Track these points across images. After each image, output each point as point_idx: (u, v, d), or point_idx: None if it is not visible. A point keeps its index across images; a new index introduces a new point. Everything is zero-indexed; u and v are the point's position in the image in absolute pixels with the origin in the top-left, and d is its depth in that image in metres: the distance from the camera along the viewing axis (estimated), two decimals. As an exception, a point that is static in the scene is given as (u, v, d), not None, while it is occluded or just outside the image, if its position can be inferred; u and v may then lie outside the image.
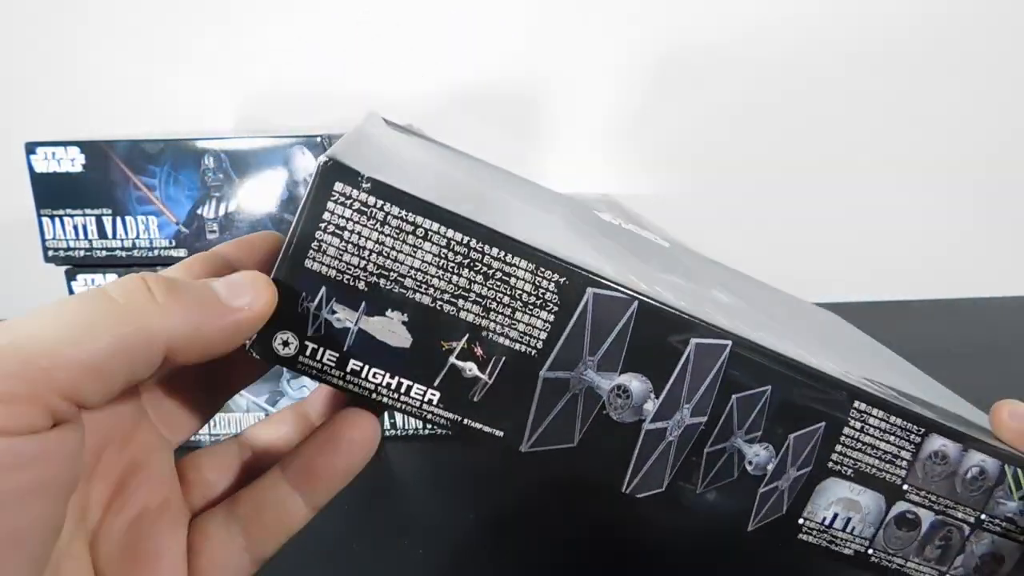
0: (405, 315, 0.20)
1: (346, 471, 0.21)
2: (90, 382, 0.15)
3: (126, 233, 0.43)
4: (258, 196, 0.42)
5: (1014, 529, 0.25)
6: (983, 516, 0.25)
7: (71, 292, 0.44)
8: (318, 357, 0.20)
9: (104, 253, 0.43)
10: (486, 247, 0.20)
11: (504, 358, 0.20)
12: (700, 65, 0.71)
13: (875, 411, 0.23)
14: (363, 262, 0.19)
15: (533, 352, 0.20)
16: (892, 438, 0.23)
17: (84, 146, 0.42)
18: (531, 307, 0.20)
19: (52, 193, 0.42)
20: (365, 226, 0.19)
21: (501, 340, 0.20)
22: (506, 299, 0.20)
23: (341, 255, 0.19)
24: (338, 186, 0.19)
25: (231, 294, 0.18)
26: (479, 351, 0.20)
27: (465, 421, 0.21)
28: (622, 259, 0.26)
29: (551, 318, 0.20)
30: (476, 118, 0.72)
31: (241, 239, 0.22)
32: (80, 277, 0.44)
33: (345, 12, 0.69)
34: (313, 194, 0.19)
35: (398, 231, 0.19)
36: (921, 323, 0.71)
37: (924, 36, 0.71)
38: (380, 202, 0.19)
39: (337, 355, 0.20)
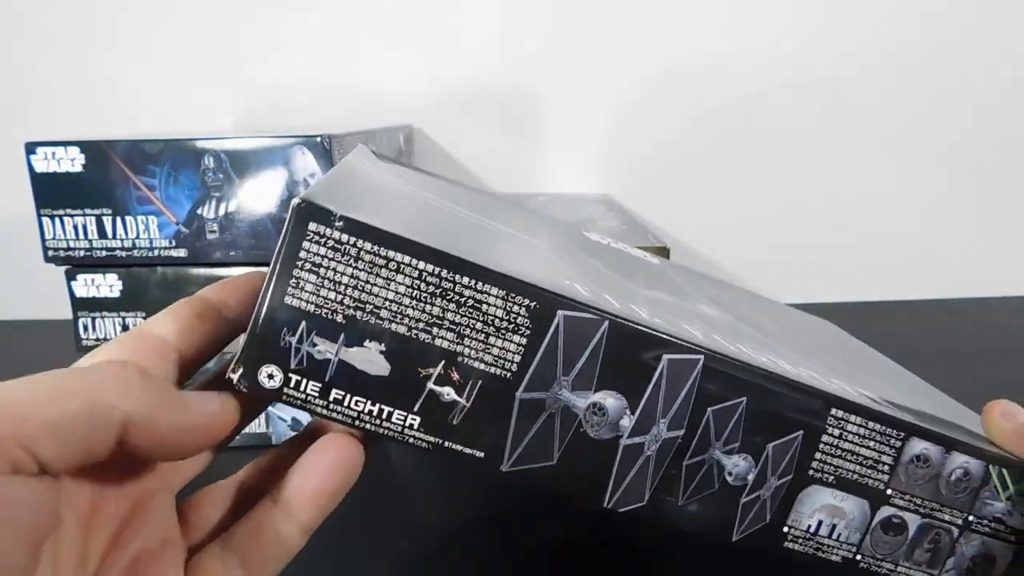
0: (383, 344, 0.20)
1: (332, 494, 0.21)
2: (48, 441, 0.16)
3: (126, 233, 0.43)
4: (258, 196, 0.42)
5: (1004, 529, 0.25)
6: (971, 518, 0.25)
7: (71, 292, 0.44)
8: (302, 388, 0.21)
9: (104, 253, 0.43)
10: (457, 276, 0.20)
11: (480, 382, 0.21)
12: (700, 65, 0.71)
13: (853, 417, 0.23)
14: (340, 296, 0.20)
15: (508, 375, 0.21)
16: (872, 443, 0.24)
17: (84, 146, 0.42)
18: (504, 332, 0.21)
19: (52, 193, 0.42)
20: (340, 262, 0.20)
21: (476, 365, 0.21)
22: (479, 325, 0.21)
23: (318, 291, 0.20)
24: (312, 225, 0.20)
25: (198, 400, 0.19)
26: (456, 376, 0.21)
27: (446, 444, 0.21)
28: (603, 278, 0.27)
29: (524, 341, 0.21)
30: (476, 118, 0.72)
31: (226, 282, 0.23)
32: (80, 277, 0.44)
33: (345, 12, 0.69)
34: (289, 234, 0.20)
35: (371, 265, 0.20)
36: (921, 323, 0.71)
37: (923, 36, 0.71)
38: (353, 239, 0.20)
39: (320, 385, 0.21)
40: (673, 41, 0.70)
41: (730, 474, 0.23)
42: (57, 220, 0.43)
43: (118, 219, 0.43)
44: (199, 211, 0.43)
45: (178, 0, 0.68)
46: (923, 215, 0.76)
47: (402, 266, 0.20)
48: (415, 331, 0.21)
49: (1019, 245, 0.78)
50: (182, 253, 0.43)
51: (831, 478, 0.23)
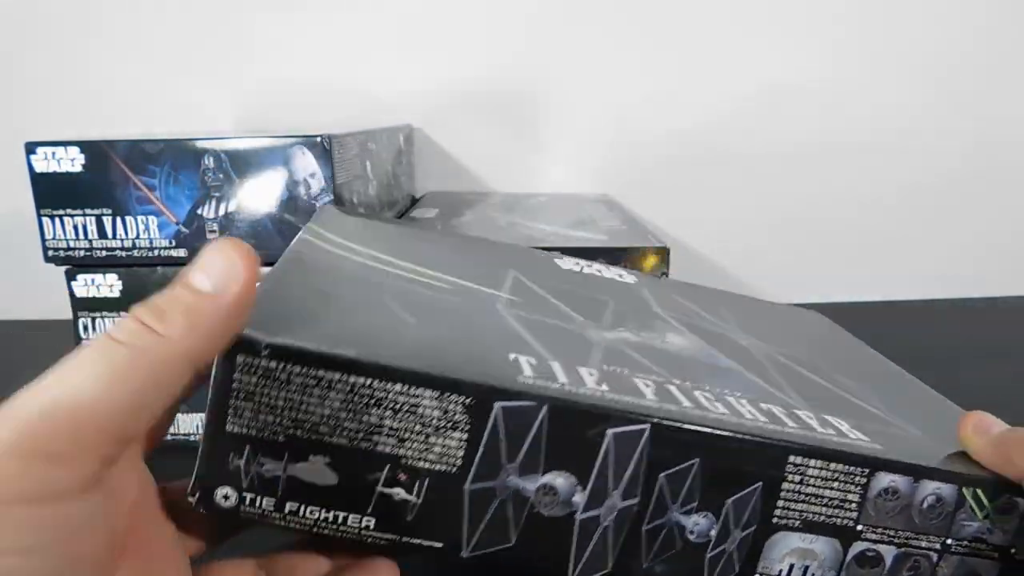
0: (327, 457, 0.21)
1: None
2: (132, 420, 0.16)
3: (126, 233, 0.43)
4: (258, 196, 0.42)
5: (985, 548, 0.25)
6: (949, 541, 0.24)
7: (71, 292, 0.44)
8: (257, 504, 0.21)
9: (104, 253, 0.43)
10: (388, 384, 0.21)
11: (428, 479, 0.21)
12: (700, 65, 0.71)
13: (812, 462, 0.23)
14: (278, 419, 0.20)
15: (454, 470, 0.21)
16: (836, 484, 0.23)
17: (84, 146, 0.42)
18: (443, 430, 0.21)
19: (52, 193, 0.42)
20: (272, 388, 0.20)
21: (422, 464, 0.21)
22: (418, 427, 0.21)
23: (256, 416, 0.20)
24: (240, 358, 0.20)
25: (215, 284, 0.18)
26: (403, 477, 0.21)
27: (403, 539, 0.22)
28: (558, 335, 0.27)
29: (465, 436, 0.21)
30: (476, 118, 0.72)
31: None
32: (80, 277, 0.44)
33: (345, 12, 0.69)
34: (218, 367, 0.20)
35: (304, 387, 0.20)
36: (921, 323, 0.71)
37: (922, 37, 0.71)
38: (282, 364, 0.20)
39: (274, 500, 0.21)
40: (673, 40, 0.70)
41: (691, 533, 0.23)
42: (57, 220, 0.43)
43: (118, 219, 0.43)
44: (199, 211, 0.43)
45: (178, 0, 0.68)
46: (923, 215, 0.76)
47: (334, 383, 0.20)
48: (356, 441, 0.21)
49: (1019, 245, 0.78)
50: (182, 253, 0.43)
51: (797, 523, 0.23)
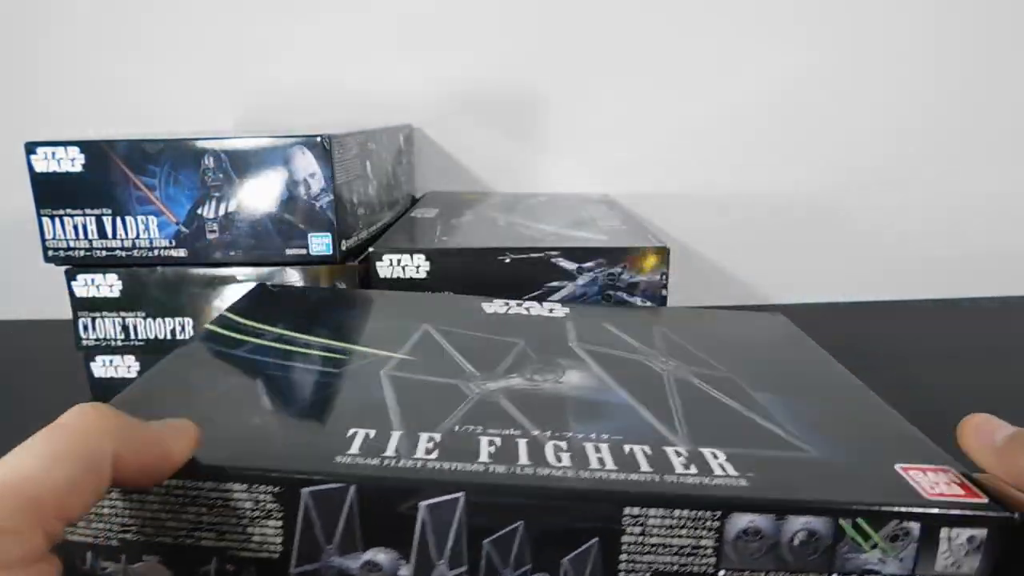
0: (158, 555, 0.22)
1: None
2: (70, 498, 0.18)
3: (126, 233, 0.43)
4: (258, 196, 0.42)
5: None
6: None
7: (71, 292, 0.44)
8: None
9: (104, 253, 0.43)
10: (199, 483, 0.22)
11: (253, 567, 0.22)
12: (700, 64, 0.71)
13: (652, 511, 0.22)
14: (108, 525, 0.22)
15: (276, 556, 0.22)
16: (684, 531, 0.22)
17: (84, 146, 0.42)
18: (258, 520, 0.22)
19: (52, 193, 0.42)
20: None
21: (244, 554, 0.22)
22: (233, 520, 0.22)
23: (90, 524, 0.22)
24: None
25: (168, 430, 0.21)
26: (231, 567, 0.22)
27: None
28: (426, 399, 0.28)
29: (279, 524, 0.22)
30: (476, 118, 0.72)
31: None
32: (80, 277, 0.44)
33: (345, 13, 0.69)
34: None
35: (124, 494, 0.22)
36: (921, 323, 0.71)
37: (921, 37, 0.71)
38: None
39: None
40: (673, 40, 0.70)
41: None
42: (57, 220, 0.43)
43: (118, 219, 0.43)
44: (199, 211, 0.43)
45: (179, 1, 0.68)
46: (922, 215, 0.76)
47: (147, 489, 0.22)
48: (180, 538, 0.22)
49: (1019, 245, 0.78)
50: (182, 253, 0.43)
51: (647, 574, 0.22)
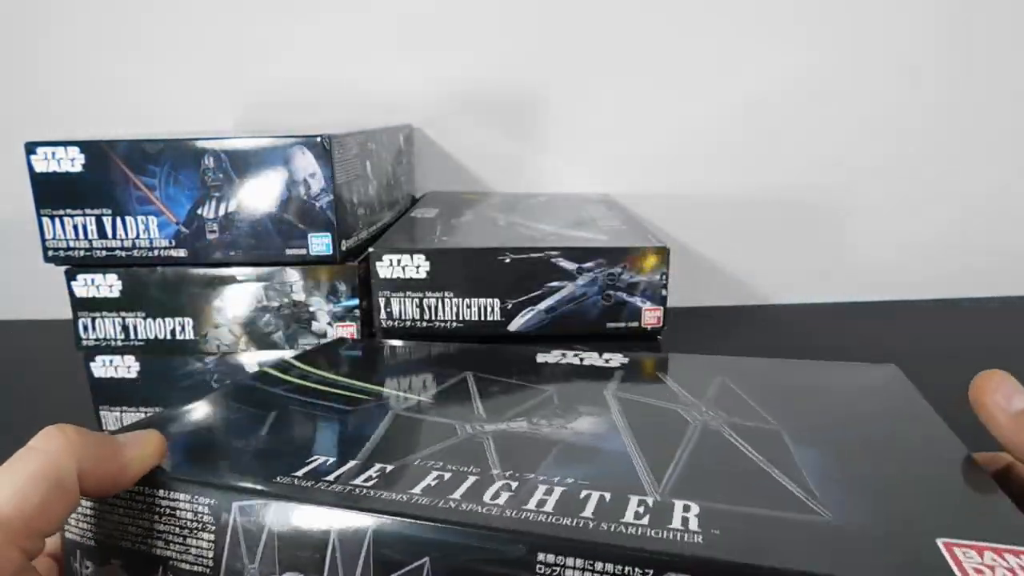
0: (121, 560, 0.24)
1: None
2: (41, 516, 0.20)
3: (126, 233, 0.43)
4: (258, 196, 0.42)
5: None
6: None
7: (71, 292, 0.44)
8: None
9: (104, 253, 0.43)
10: (155, 490, 0.23)
11: None
12: (700, 64, 0.71)
13: (571, 560, 0.19)
14: (89, 526, 0.24)
15: (207, 571, 0.22)
16: None
17: (84, 146, 0.42)
18: (196, 532, 0.23)
19: (52, 193, 0.42)
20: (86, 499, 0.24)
21: (183, 566, 0.23)
22: (176, 529, 0.23)
23: (78, 523, 0.24)
24: None
25: (129, 442, 0.23)
26: None
27: None
28: (410, 436, 0.27)
29: (212, 537, 0.22)
30: (476, 118, 0.72)
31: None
32: (80, 277, 0.44)
33: (345, 13, 0.69)
34: None
35: (98, 499, 0.24)
36: (921, 323, 0.71)
37: (922, 37, 0.71)
38: None
39: None
40: (673, 40, 0.70)
41: None
42: (57, 220, 0.43)
43: (118, 219, 0.43)
44: (199, 211, 0.43)
45: (179, 1, 0.68)
46: (922, 215, 0.76)
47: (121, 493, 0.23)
48: (136, 544, 0.23)
49: (1019, 245, 0.78)
50: (182, 253, 0.43)
51: None
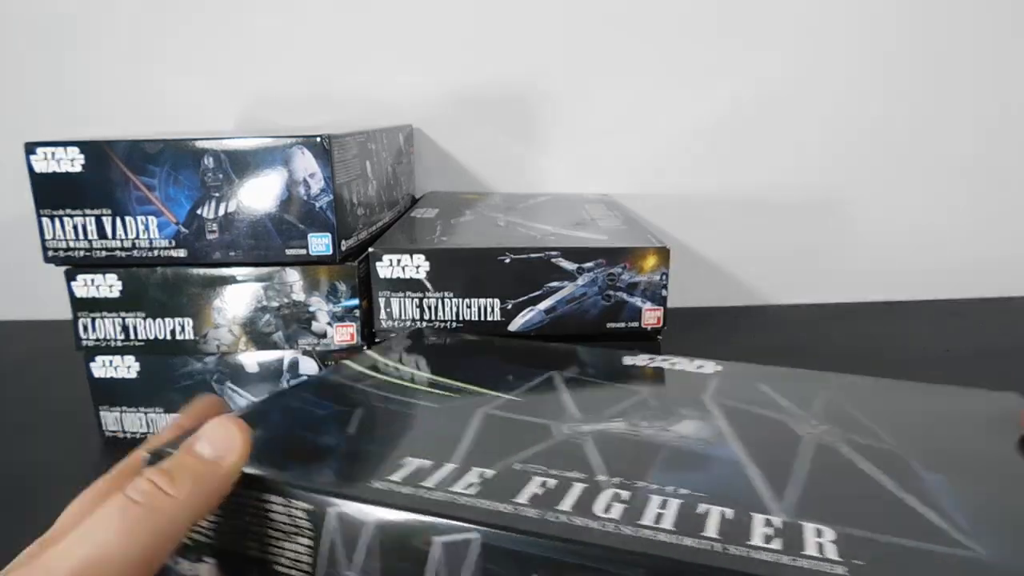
0: (214, 559, 0.24)
1: None
2: (145, 569, 0.19)
3: (126, 233, 0.43)
4: (258, 196, 0.42)
5: None
6: None
7: (71, 292, 0.44)
8: None
9: (104, 253, 0.43)
10: (248, 491, 0.23)
11: None
12: (700, 64, 0.71)
13: None
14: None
15: (303, 575, 0.22)
16: None
17: (84, 146, 0.42)
18: (292, 535, 0.22)
19: (52, 193, 0.42)
20: None
21: (280, 568, 0.23)
22: (272, 531, 0.22)
23: None
24: None
25: (214, 451, 0.22)
26: None
27: None
28: (506, 438, 0.27)
29: (309, 542, 0.22)
30: (476, 118, 0.72)
31: (188, 410, 0.27)
32: (80, 277, 0.44)
33: (345, 13, 0.69)
34: None
35: None
36: (921, 323, 0.71)
37: (922, 38, 0.71)
38: None
39: None
40: (672, 40, 0.70)
41: None
42: (57, 220, 0.43)
43: (118, 219, 0.43)
44: (199, 211, 0.43)
45: (179, 1, 0.68)
46: (923, 216, 0.76)
47: None
48: (230, 545, 0.23)
49: (1019, 245, 0.78)
50: (182, 253, 0.43)
51: None
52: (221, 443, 0.22)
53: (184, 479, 0.21)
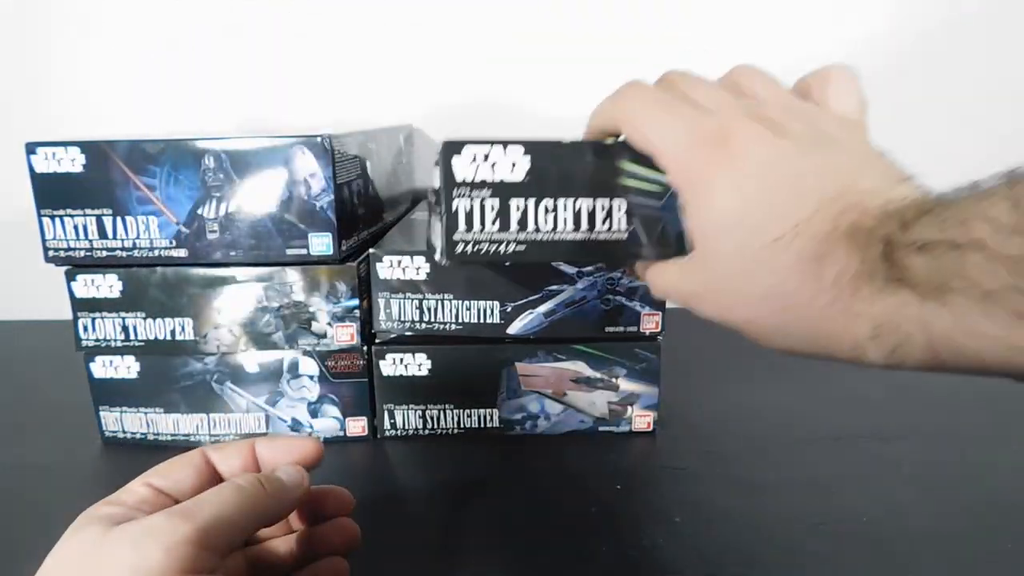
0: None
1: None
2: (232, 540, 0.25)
3: (126, 233, 0.43)
4: (258, 196, 0.42)
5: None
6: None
7: (71, 292, 0.44)
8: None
9: (104, 253, 0.43)
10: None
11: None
12: (701, 64, 0.71)
13: None
14: None
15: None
16: None
17: (84, 146, 0.42)
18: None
19: (52, 193, 0.42)
20: None
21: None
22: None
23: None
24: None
25: (291, 483, 0.28)
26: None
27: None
28: None
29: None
30: (476, 119, 0.72)
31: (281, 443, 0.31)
32: (80, 277, 0.44)
33: (345, 13, 0.69)
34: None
35: None
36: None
37: (923, 35, 0.72)
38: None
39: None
40: (671, 40, 0.70)
41: None
42: (57, 220, 0.43)
43: (118, 219, 0.43)
44: (199, 211, 0.43)
45: (179, 1, 0.68)
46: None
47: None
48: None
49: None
50: (182, 253, 0.43)
51: None
52: (294, 479, 0.28)
53: (273, 486, 0.27)
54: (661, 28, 0.70)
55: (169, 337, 0.45)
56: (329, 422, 0.47)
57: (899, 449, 0.45)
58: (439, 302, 0.45)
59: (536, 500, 0.40)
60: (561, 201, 0.30)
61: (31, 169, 0.42)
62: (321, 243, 0.43)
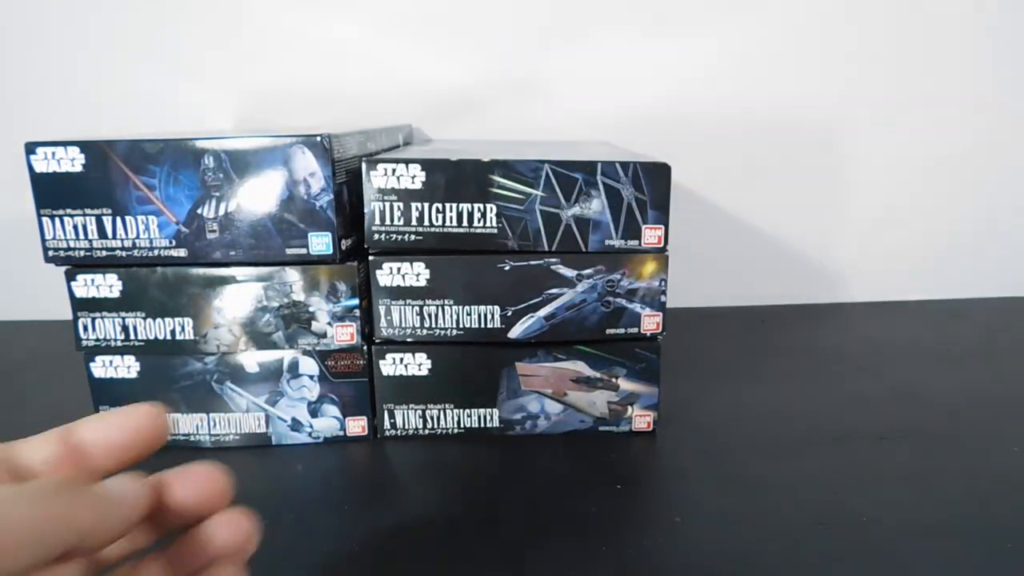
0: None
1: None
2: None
3: (126, 233, 0.43)
4: (258, 196, 0.42)
5: None
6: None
7: (71, 292, 0.44)
8: None
9: (104, 253, 0.43)
10: None
11: None
12: (700, 65, 0.71)
13: None
14: None
15: None
16: None
17: (84, 146, 0.42)
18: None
19: (52, 193, 0.42)
20: None
21: None
22: None
23: None
24: None
25: (120, 497, 0.21)
26: None
27: None
28: None
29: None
30: (476, 119, 0.72)
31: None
32: (80, 277, 0.44)
33: (345, 12, 0.69)
34: None
35: None
36: (921, 323, 0.71)
37: (923, 35, 0.72)
38: None
39: None
40: (670, 39, 0.70)
41: None
42: (57, 220, 0.43)
43: (118, 219, 0.43)
44: (199, 211, 0.43)
45: (178, 1, 0.68)
46: (923, 216, 0.76)
47: None
48: None
49: (1019, 245, 0.78)
50: (182, 253, 0.43)
51: None
52: (125, 492, 0.22)
53: (83, 497, 0.20)
54: (668, 18, 0.70)
55: (169, 337, 0.45)
56: (329, 422, 0.47)
57: (899, 449, 0.45)
58: (439, 308, 0.45)
59: (536, 500, 0.40)
60: (448, 204, 0.42)
61: (31, 169, 0.42)
62: (321, 243, 0.43)
